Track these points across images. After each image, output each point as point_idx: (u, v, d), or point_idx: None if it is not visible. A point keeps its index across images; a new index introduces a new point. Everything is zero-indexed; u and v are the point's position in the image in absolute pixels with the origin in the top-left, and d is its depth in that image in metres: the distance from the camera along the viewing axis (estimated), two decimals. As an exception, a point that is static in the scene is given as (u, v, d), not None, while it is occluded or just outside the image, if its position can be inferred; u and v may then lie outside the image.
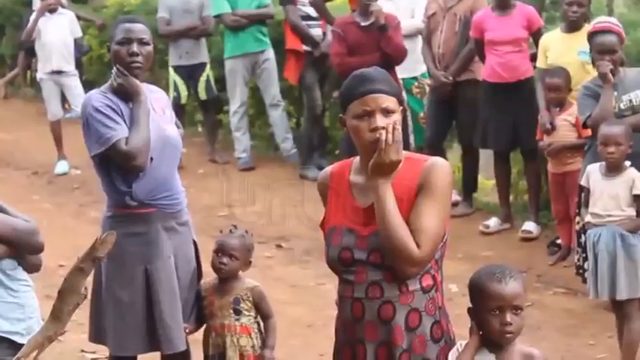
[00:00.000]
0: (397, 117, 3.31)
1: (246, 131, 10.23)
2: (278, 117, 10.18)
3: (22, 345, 3.50)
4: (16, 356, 3.13)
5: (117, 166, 4.50)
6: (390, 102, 3.31)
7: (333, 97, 10.01)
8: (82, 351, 6.09)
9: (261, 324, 4.78)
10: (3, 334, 4.00)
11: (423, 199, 3.28)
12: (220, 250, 4.74)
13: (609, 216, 5.59)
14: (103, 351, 5.18)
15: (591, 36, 6.35)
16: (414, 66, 8.83)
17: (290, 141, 10.18)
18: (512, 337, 3.27)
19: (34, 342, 3.17)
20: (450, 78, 8.29)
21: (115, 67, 4.56)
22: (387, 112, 3.29)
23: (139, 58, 4.54)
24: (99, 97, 4.52)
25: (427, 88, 8.79)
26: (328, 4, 9.88)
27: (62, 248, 6.73)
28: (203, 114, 10.95)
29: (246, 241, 4.80)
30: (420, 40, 8.86)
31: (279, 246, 8.21)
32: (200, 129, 11.62)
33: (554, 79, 7.24)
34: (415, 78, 8.96)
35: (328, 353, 3.55)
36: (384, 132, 3.23)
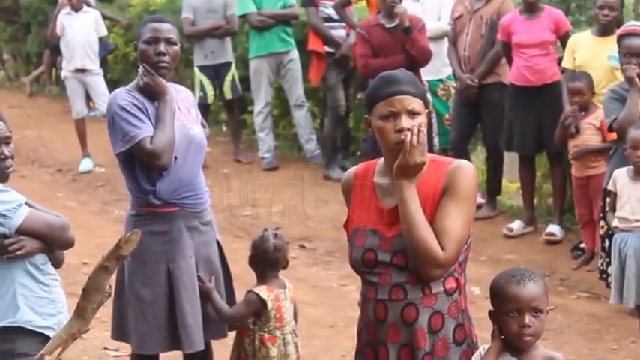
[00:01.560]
0: (423, 119, 3.30)
1: (270, 131, 10.22)
2: (302, 117, 10.16)
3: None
4: (40, 353, 3.14)
5: (141, 165, 4.50)
6: (415, 104, 3.30)
7: (357, 98, 10.00)
8: (105, 348, 6.10)
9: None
10: (37, 329, 4.01)
11: (447, 202, 3.27)
12: None
13: (637, 220, 5.56)
14: (126, 348, 5.20)
15: (620, 39, 6.34)
16: (439, 68, 8.82)
17: (314, 142, 10.16)
18: (531, 339, 3.25)
19: (58, 339, 3.17)
20: (476, 81, 8.27)
21: (141, 66, 4.57)
22: (412, 114, 3.28)
23: (166, 58, 4.54)
24: (125, 95, 4.52)
25: (453, 91, 8.78)
26: (355, 5, 9.86)
27: (85, 246, 6.74)
28: (227, 114, 10.95)
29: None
30: (445, 42, 8.84)
31: (302, 246, 8.20)
32: (224, 129, 11.64)
33: (576, 82, 7.21)
34: (441, 80, 8.94)
35: (350, 354, 3.56)
36: (409, 134, 3.23)
